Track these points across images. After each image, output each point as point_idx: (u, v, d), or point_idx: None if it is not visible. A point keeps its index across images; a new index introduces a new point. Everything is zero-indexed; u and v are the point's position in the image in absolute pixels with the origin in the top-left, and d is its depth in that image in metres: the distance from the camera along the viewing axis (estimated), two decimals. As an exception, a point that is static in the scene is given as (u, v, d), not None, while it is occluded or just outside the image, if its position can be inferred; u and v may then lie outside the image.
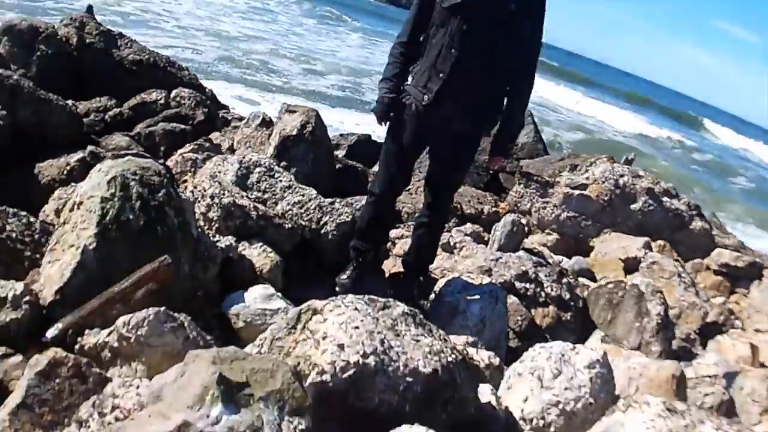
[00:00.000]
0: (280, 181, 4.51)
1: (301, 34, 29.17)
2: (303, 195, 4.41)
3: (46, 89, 5.41)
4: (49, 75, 6.47)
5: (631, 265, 5.16)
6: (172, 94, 6.79)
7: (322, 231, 4.24)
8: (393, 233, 4.87)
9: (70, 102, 5.74)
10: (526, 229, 5.58)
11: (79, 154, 4.86)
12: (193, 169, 5.10)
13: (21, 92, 5.10)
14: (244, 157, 4.62)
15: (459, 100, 3.52)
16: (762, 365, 4.27)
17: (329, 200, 4.48)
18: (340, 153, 6.78)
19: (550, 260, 4.96)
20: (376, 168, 5.45)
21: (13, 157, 4.84)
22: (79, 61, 6.98)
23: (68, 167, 4.79)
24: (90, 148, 4.97)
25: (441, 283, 4.08)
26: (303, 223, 4.23)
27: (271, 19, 31.42)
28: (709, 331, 4.76)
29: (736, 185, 23.19)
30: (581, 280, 4.92)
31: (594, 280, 5.06)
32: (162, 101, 6.67)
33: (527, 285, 4.34)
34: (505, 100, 3.64)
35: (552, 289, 4.37)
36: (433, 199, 3.93)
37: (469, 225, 5.41)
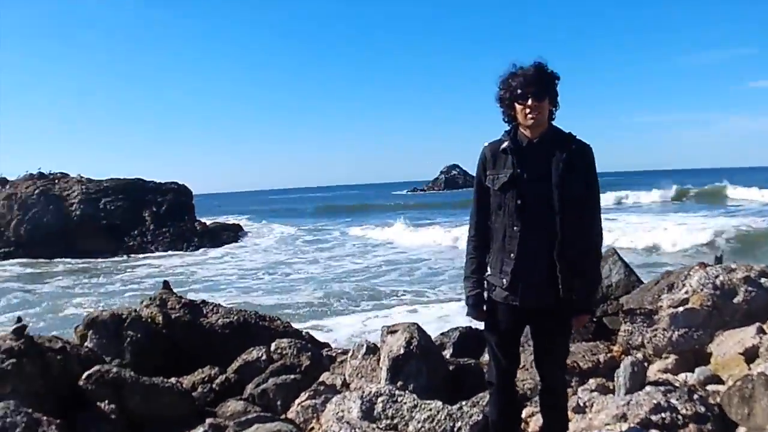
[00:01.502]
0: (405, 403, 4.68)
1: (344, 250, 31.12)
2: (431, 409, 4.58)
3: (145, 372, 5.63)
4: (144, 358, 6.68)
5: (751, 355, 5.26)
6: (272, 347, 6.91)
7: None
8: (524, 413, 4.99)
9: (173, 380, 5.92)
10: (646, 364, 5.72)
11: (199, 429, 4.96)
12: (315, 416, 5.23)
13: (125, 383, 5.38)
14: (363, 391, 4.79)
15: (535, 275, 3.65)
16: None
17: (456, 406, 4.65)
18: (446, 353, 6.92)
19: (676, 383, 5.14)
20: (486, 357, 5.54)
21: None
22: (169, 337, 7.16)
23: (193, 444, 4.82)
24: (209, 420, 5.09)
25: None
26: None
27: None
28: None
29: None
30: (710, 388, 5.06)
31: (722, 383, 5.18)
32: (264, 357, 6.78)
33: (663, 414, 4.47)
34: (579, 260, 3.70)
35: (687, 409, 4.51)
36: (546, 374, 4.03)
37: (592, 380, 5.54)
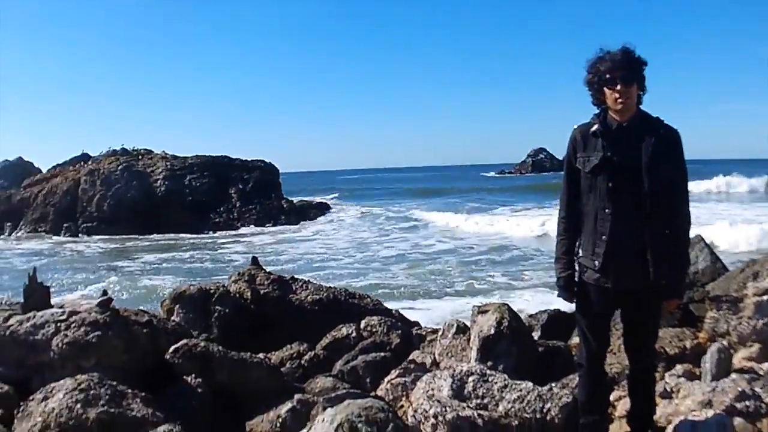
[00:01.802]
0: (495, 383, 4.75)
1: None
2: (521, 390, 4.68)
3: (232, 347, 5.64)
4: (232, 333, 6.74)
5: None
6: (362, 325, 7.01)
7: (548, 418, 4.52)
8: (612, 396, 5.06)
9: (261, 355, 6.02)
10: (731, 351, 5.83)
11: (288, 405, 4.99)
12: (405, 393, 5.30)
13: (213, 357, 5.37)
14: (455, 370, 4.85)
15: (627, 257, 3.76)
16: None
17: (546, 387, 4.77)
18: (535, 335, 6.93)
19: (761, 371, 5.28)
20: (576, 339, 5.67)
21: (220, 424, 5.04)
22: (258, 313, 7.25)
23: (279, 420, 4.92)
24: (297, 396, 5.14)
25: (669, 430, 4.43)
26: (527, 416, 4.50)
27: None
28: None
29: None
30: None
31: None
32: (354, 334, 6.87)
33: (747, 402, 4.59)
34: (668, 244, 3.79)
35: None
36: (635, 357, 4.17)
37: (678, 366, 5.63)
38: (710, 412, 4.51)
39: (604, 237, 3.77)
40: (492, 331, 5.65)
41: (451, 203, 48.84)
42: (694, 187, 47.69)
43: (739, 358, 5.84)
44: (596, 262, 3.83)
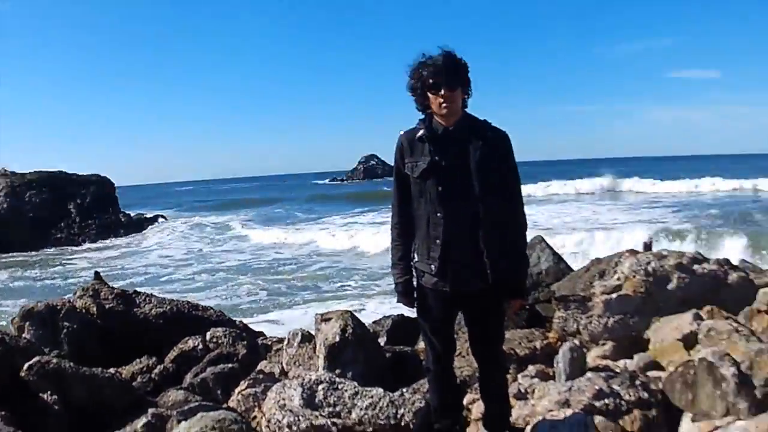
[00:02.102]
0: (346, 390, 4.74)
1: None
2: (372, 396, 4.65)
3: (83, 362, 5.61)
4: (81, 348, 6.71)
5: (689, 341, 5.38)
6: (208, 337, 7.05)
7: (402, 423, 4.46)
8: (465, 399, 5.01)
9: (112, 370, 5.93)
10: (584, 350, 5.78)
11: (142, 419, 4.91)
12: (256, 404, 5.26)
13: (65, 374, 5.35)
14: (304, 379, 4.84)
15: (463, 260, 3.74)
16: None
17: (397, 393, 4.73)
18: (381, 341, 6.98)
19: (617, 369, 5.22)
20: (422, 343, 5.52)
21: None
22: (105, 327, 7.22)
23: (136, 435, 4.84)
24: (151, 410, 5.06)
25: (527, 431, 4.31)
26: (381, 422, 4.46)
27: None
28: (787, 366, 4.92)
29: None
30: (651, 374, 5.15)
31: (662, 369, 5.28)
32: (200, 346, 6.91)
33: (606, 401, 4.53)
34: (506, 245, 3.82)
35: (630, 395, 4.57)
36: (482, 360, 4.13)
37: (531, 367, 5.60)
38: (568, 412, 4.44)
39: (438, 241, 3.75)
40: (337, 339, 5.67)
41: (279, 214, 49.71)
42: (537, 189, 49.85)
43: (593, 357, 5.84)
44: (432, 267, 3.80)
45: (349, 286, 18.57)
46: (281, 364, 6.35)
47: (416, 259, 3.94)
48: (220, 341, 7.02)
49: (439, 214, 3.73)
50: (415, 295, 4.02)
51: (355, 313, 6.18)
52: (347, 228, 34.24)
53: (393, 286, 4.10)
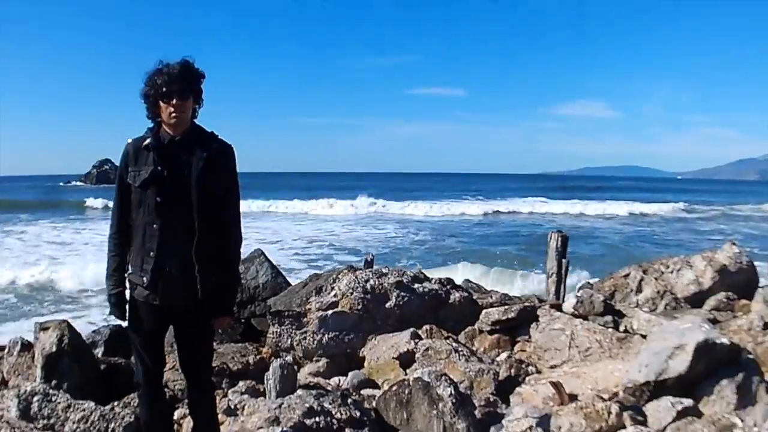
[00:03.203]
0: (59, 403, 4.70)
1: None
2: (84, 410, 4.64)
3: None
4: None
5: (406, 360, 5.45)
6: None
7: None
8: (176, 414, 4.95)
9: None
10: (296, 367, 5.70)
11: None
12: None
13: None
14: (20, 390, 4.75)
15: (174, 273, 3.68)
16: (571, 397, 4.59)
17: (108, 407, 4.73)
18: (98, 351, 6.84)
19: (329, 387, 5.16)
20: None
21: None
22: None
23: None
24: None
25: None
26: None
27: None
28: (508, 387, 5.05)
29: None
30: (365, 392, 5.12)
31: (377, 387, 5.28)
32: None
33: (317, 419, 4.45)
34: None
35: (341, 413, 4.51)
36: (191, 375, 4.01)
37: (242, 383, 5.48)
38: (278, 429, 4.36)
39: (152, 253, 3.67)
40: (54, 349, 5.65)
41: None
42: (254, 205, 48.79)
43: (305, 374, 5.76)
44: (145, 279, 3.70)
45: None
46: (2, 372, 6.19)
47: (130, 271, 3.81)
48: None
49: (155, 225, 3.65)
50: (128, 308, 3.88)
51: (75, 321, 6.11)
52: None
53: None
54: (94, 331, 7.54)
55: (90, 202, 51.51)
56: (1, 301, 16.41)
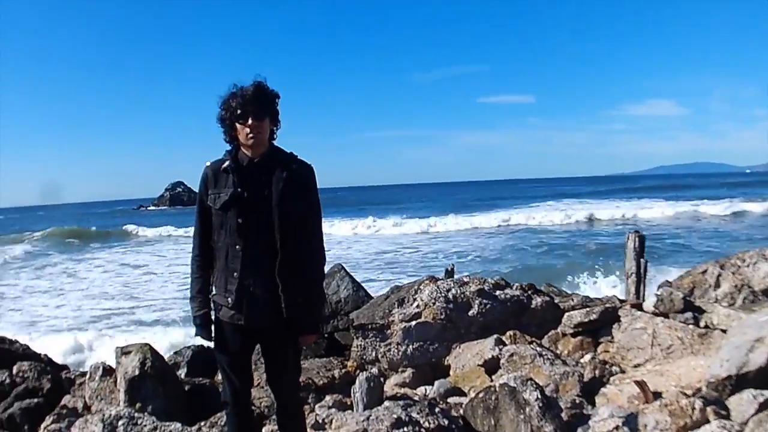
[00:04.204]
0: (145, 426, 4.78)
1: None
2: (171, 431, 4.74)
3: None
4: None
5: (491, 366, 5.46)
6: (14, 371, 6.91)
7: None
8: (264, 431, 5.01)
9: None
10: (382, 378, 5.74)
11: None
12: None
13: None
14: (104, 415, 4.84)
15: (259, 293, 3.70)
16: (655, 394, 4.59)
17: (195, 427, 4.83)
18: (181, 372, 6.97)
19: (416, 396, 5.19)
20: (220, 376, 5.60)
21: None
22: None
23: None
24: None
25: None
26: None
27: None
28: (593, 389, 5.06)
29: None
30: (452, 400, 5.15)
31: (464, 395, 5.30)
32: (8, 381, 6.78)
33: (405, 429, 4.49)
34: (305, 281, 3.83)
35: (429, 423, 4.54)
36: (279, 392, 4.05)
37: (328, 397, 5.54)
38: None
39: (235, 274, 3.71)
40: (137, 372, 5.72)
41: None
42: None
43: (391, 385, 5.79)
44: (229, 299, 3.74)
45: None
46: (84, 398, 6.30)
47: (214, 292, 3.87)
48: (26, 375, 6.90)
49: (238, 247, 3.69)
50: (213, 328, 3.92)
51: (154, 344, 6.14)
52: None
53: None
54: (175, 353, 7.73)
55: (130, 228, 50.91)
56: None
